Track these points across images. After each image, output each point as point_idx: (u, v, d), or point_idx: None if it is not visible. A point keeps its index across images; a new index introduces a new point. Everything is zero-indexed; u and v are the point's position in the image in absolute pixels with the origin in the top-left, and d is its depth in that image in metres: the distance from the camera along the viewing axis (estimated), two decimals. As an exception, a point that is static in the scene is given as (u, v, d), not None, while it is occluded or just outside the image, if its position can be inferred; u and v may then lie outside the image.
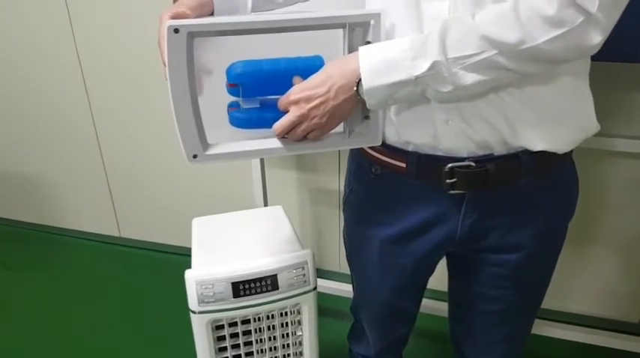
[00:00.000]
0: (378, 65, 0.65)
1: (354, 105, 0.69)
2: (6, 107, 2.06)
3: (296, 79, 0.70)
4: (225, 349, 1.08)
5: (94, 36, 1.80)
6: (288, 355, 1.14)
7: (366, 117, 0.73)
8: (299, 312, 1.09)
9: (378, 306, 0.97)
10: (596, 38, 0.58)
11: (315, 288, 1.09)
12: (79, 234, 2.25)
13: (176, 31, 0.64)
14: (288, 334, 1.12)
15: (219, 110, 0.73)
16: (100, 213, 2.17)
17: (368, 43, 0.69)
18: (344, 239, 1.00)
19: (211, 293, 1.01)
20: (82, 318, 1.80)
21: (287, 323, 1.10)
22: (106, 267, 2.11)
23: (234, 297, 1.02)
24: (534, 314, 0.94)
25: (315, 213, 1.87)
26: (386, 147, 0.78)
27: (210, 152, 0.71)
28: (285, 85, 0.70)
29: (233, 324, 1.06)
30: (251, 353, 1.10)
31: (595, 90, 0.75)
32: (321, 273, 1.82)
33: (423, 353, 1.57)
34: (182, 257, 1.86)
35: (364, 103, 0.67)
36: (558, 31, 0.57)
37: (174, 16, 0.67)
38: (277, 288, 1.04)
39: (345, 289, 1.69)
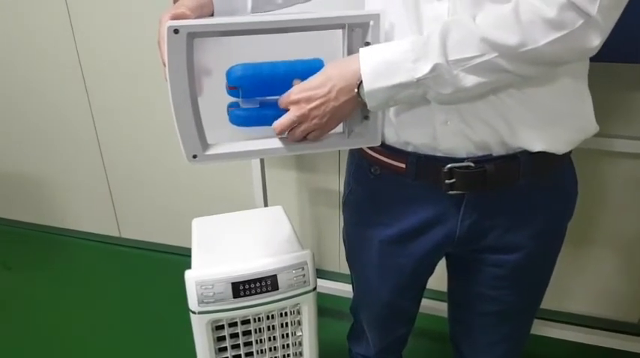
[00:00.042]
0: (379, 67, 0.65)
1: (354, 106, 0.69)
2: (6, 107, 2.06)
3: (296, 82, 0.70)
4: (225, 349, 1.08)
5: (94, 36, 1.80)
6: (288, 355, 1.15)
7: (366, 118, 0.74)
8: (299, 312, 1.10)
9: (377, 306, 0.97)
10: (596, 40, 0.59)
11: (314, 289, 1.09)
12: (79, 234, 2.25)
13: (176, 31, 0.64)
14: (288, 334, 1.12)
15: (219, 110, 0.73)
16: (100, 213, 2.17)
17: (367, 43, 0.69)
18: (343, 239, 1.00)
19: (211, 294, 1.02)
20: (82, 318, 1.80)
21: (287, 324, 1.10)
22: (106, 266, 2.11)
23: (234, 297, 1.02)
24: (534, 314, 0.94)
25: (315, 213, 1.87)
26: (385, 148, 0.78)
27: (209, 152, 0.71)
28: (285, 89, 0.70)
29: (233, 324, 1.06)
30: (251, 354, 1.11)
31: (594, 90, 0.75)
32: (321, 273, 1.82)
33: (422, 353, 1.58)
34: (182, 257, 1.86)
35: (364, 104, 0.67)
36: (558, 34, 0.57)
37: (174, 17, 0.68)
38: (277, 289, 1.04)
39: (345, 289, 1.69)
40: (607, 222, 1.52)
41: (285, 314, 1.09)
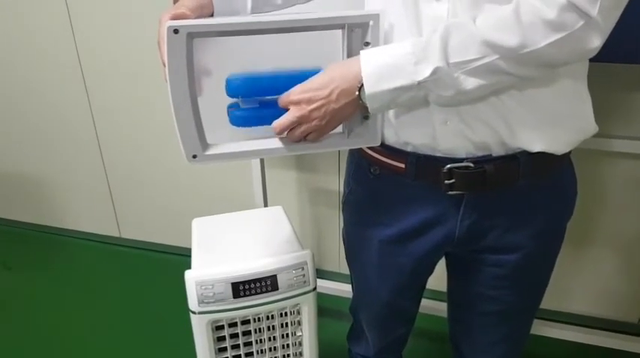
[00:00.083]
0: (380, 70, 0.65)
1: (355, 108, 0.69)
2: (6, 107, 2.06)
3: None
4: (225, 349, 1.09)
5: (94, 36, 1.80)
6: (288, 355, 1.15)
7: (365, 118, 0.74)
8: (299, 313, 1.10)
9: (377, 306, 0.97)
10: (596, 41, 0.59)
11: (314, 289, 1.09)
12: (79, 234, 2.25)
13: (176, 31, 0.64)
14: (287, 334, 1.12)
15: (219, 110, 0.73)
16: (100, 213, 2.17)
17: (367, 43, 0.69)
18: (343, 239, 1.00)
19: (211, 294, 1.02)
20: (82, 318, 1.80)
21: (287, 324, 1.11)
22: (106, 267, 2.11)
23: (234, 298, 1.02)
24: (533, 314, 0.94)
25: (315, 213, 1.87)
26: (385, 148, 0.78)
27: (209, 152, 0.71)
28: None
29: (233, 325, 1.06)
30: (251, 354, 1.11)
31: (594, 91, 0.75)
32: (320, 274, 1.82)
33: (422, 353, 1.58)
34: (182, 257, 1.87)
35: (365, 107, 0.68)
36: (559, 35, 0.57)
37: (174, 17, 0.68)
38: (277, 289, 1.04)
39: (345, 289, 1.69)
40: (607, 222, 1.52)
41: (285, 314, 1.09)
